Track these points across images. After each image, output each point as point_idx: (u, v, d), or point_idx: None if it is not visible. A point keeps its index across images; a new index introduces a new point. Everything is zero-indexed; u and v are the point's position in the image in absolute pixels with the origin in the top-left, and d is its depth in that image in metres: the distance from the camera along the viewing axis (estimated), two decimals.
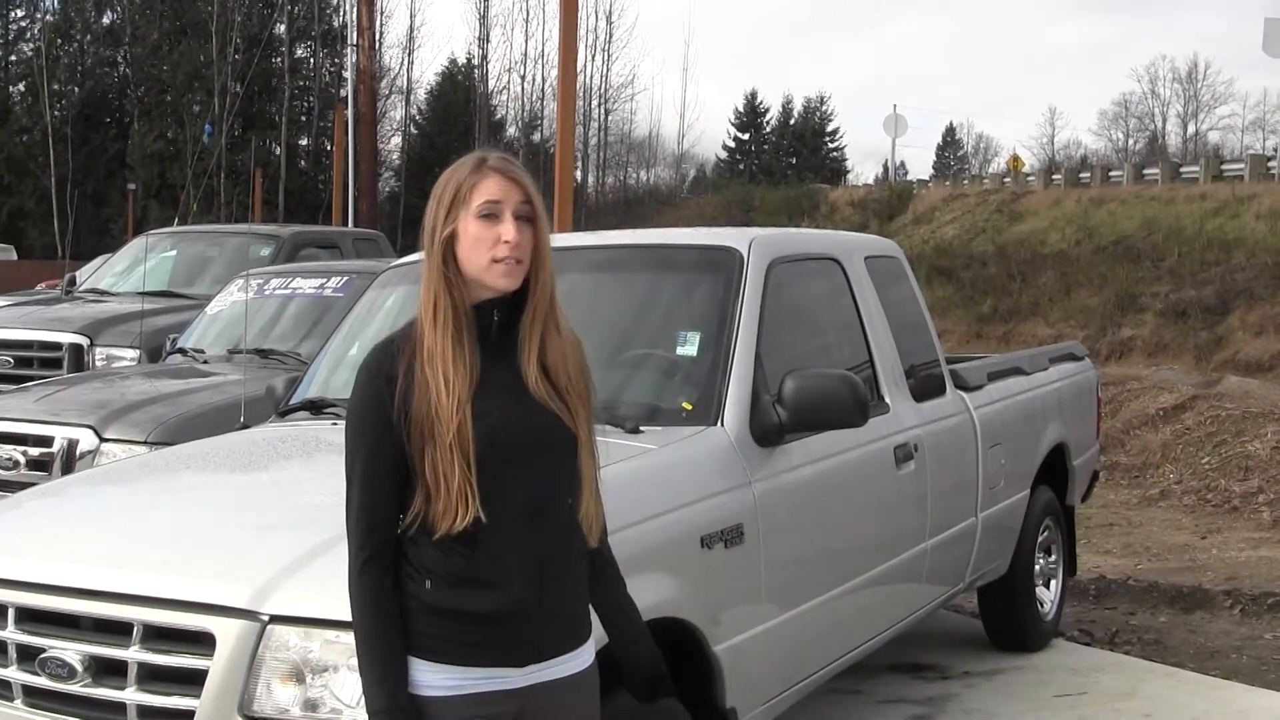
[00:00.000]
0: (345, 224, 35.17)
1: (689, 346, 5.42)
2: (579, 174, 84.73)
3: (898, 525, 6.28)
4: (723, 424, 5.15)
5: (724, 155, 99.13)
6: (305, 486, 4.91)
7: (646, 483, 4.69)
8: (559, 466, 3.34)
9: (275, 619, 3.85)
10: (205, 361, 10.22)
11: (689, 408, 5.23)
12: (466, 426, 3.19)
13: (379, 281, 6.72)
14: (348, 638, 3.75)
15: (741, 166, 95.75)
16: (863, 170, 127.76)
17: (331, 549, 4.02)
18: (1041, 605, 8.18)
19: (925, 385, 6.76)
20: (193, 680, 3.90)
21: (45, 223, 65.94)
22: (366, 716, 3.44)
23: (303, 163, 75.82)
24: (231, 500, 4.86)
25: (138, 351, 12.20)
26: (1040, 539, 8.13)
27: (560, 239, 6.90)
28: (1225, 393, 18.04)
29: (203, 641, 3.91)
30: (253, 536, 4.30)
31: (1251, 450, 15.14)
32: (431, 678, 3.26)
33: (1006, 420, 7.50)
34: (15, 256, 54.80)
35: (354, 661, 3.72)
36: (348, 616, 3.67)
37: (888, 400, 6.30)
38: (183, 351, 10.67)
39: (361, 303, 6.65)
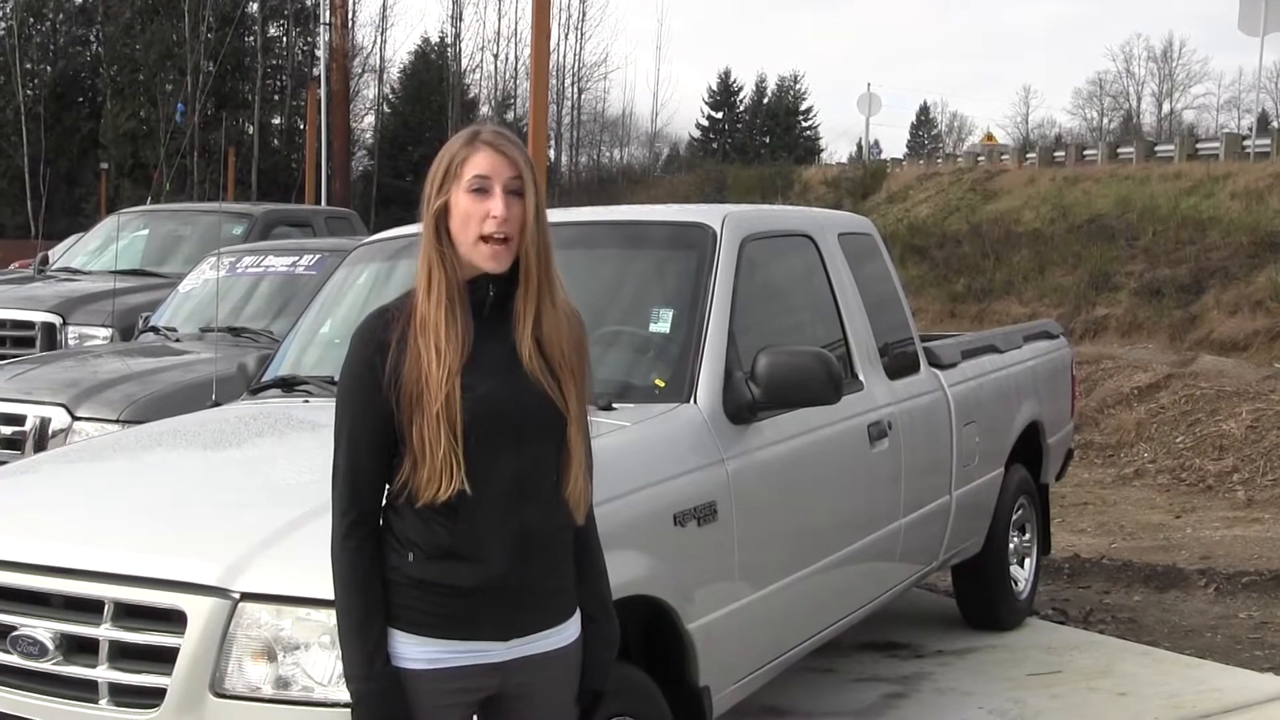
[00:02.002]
0: (318, 202, 35.10)
1: (662, 323, 5.40)
2: (552, 153, 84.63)
3: (871, 503, 6.27)
4: (695, 401, 5.13)
5: (698, 134, 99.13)
6: (277, 464, 4.89)
7: (619, 460, 4.66)
8: (547, 443, 3.33)
9: (246, 596, 3.82)
10: (177, 340, 10.19)
11: (662, 385, 5.22)
12: (455, 397, 3.18)
13: (350, 259, 6.68)
14: (319, 615, 3.75)
15: (715, 145, 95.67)
16: (836, 149, 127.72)
17: (302, 526, 4.01)
18: (1016, 584, 8.18)
19: (899, 363, 6.75)
20: (164, 658, 3.88)
21: (18, 202, 65.50)
22: (341, 692, 3.48)
23: (276, 142, 75.54)
24: (203, 478, 4.83)
25: (110, 330, 12.17)
26: (1014, 517, 8.13)
27: None
28: (1200, 372, 18.06)
29: (174, 619, 3.88)
30: (224, 514, 4.27)
31: (1226, 429, 15.17)
32: (411, 650, 3.25)
33: (980, 398, 7.49)
34: None
35: (325, 639, 3.75)
36: (319, 594, 3.72)
37: (861, 378, 6.29)
38: (155, 330, 10.64)
39: (333, 280, 6.62)
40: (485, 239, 3.23)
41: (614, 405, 5.02)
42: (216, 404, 6.18)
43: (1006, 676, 7.25)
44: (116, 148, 67.57)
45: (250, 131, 71.99)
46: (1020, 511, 8.24)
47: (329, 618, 3.68)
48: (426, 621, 3.25)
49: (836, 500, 5.95)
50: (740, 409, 5.21)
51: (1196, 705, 6.68)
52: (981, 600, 8.06)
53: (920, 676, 7.27)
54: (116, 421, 8.02)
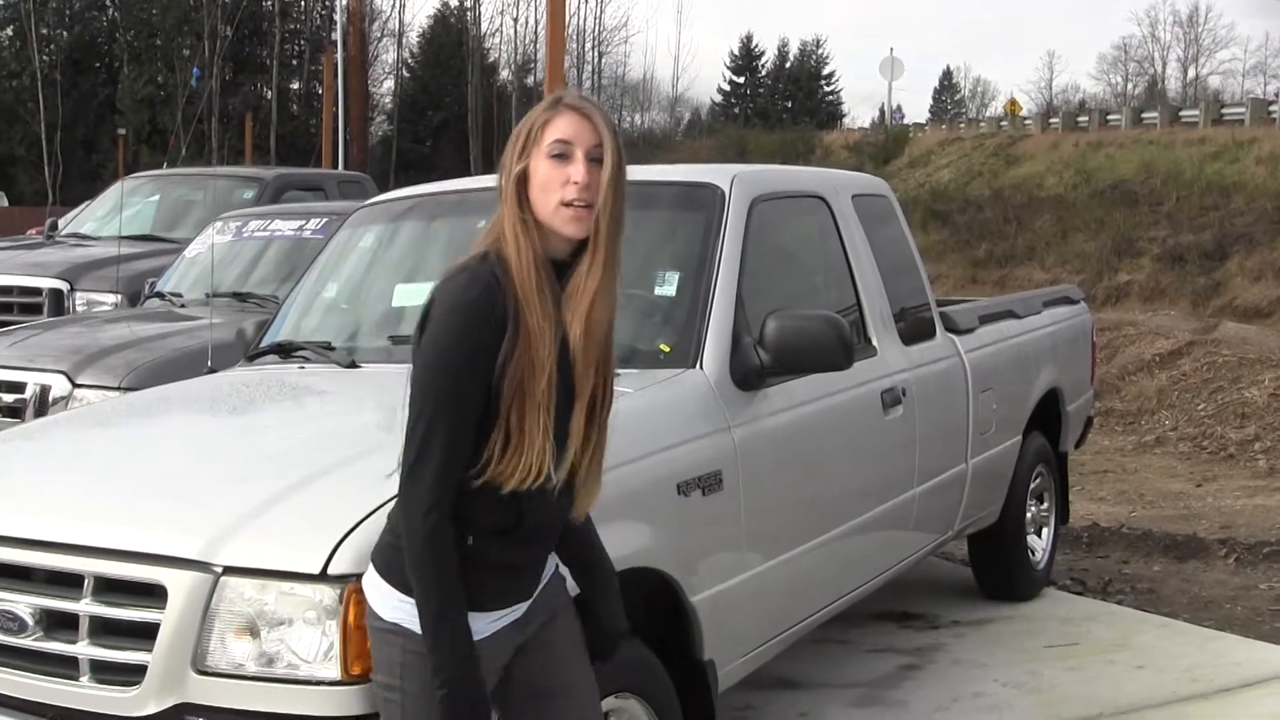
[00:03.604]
0: (335, 168, 35.01)
1: (668, 286, 5.23)
2: None
3: (884, 471, 6.11)
4: (702, 366, 4.97)
5: (719, 99, 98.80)
6: (266, 433, 4.74)
7: (620, 427, 4.48)
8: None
9: (229, 570, 3.67)
10: (182, 306, 10.08)
11: (667, 350, 5.05)
12: (554, 381, 3.13)
13: (352, 220, 6.52)
14: (304, 590, 3.61)
15: (737, 110, 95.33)
16: (859, 114, 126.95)
17: (289, 498, 3.88)
18: (1033, 554, 8.03)
19: (914, 328, 6.58)
20: (146, 634, 3.74)
21: (35, 169, 65.41)
22: (328, 670, 3.55)
23: (295, 107, 75.41)
24: (189, 447, 4.67)
25: (118, 296, 12.07)
26: (1032, 486, 7.96)
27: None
28: (1222, 339, 17.86)
29: (155, 594, 3.73)
30: (208, 485, 4.11)
31: (1248, 397, 14.97)
32: (473, 625, 3.21)
33: (998, 364, 7.32)
34: (6, 202, 54.55)
35: (311, 614, 3.62)
36: (304, 568, 3.61)
37: (875, 343, 6.12)
38: (160, 296, 10.55)
39: (334, 243, 6.47)
40: (566, 204, 3.15)
41: (617, 371, 4.86)
42: (212, 370, 6.05)
43: (1023, 648, 7.11)
44: (134, 113, 67.61)
45: (269, 97, 71.87)
46: (1038, 480, 8.07)
47: (314, 592, 3.60)
48: (478, 597, 3.22)
49: (848, 469, 5.79)
50: (748, 375, 5.04)
51: (1215, 679, 6.52)
52: (998, 570, 7.89)
53: (935, 648, 7.13)
54: (117, 389, 7.90)
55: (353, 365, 5.41)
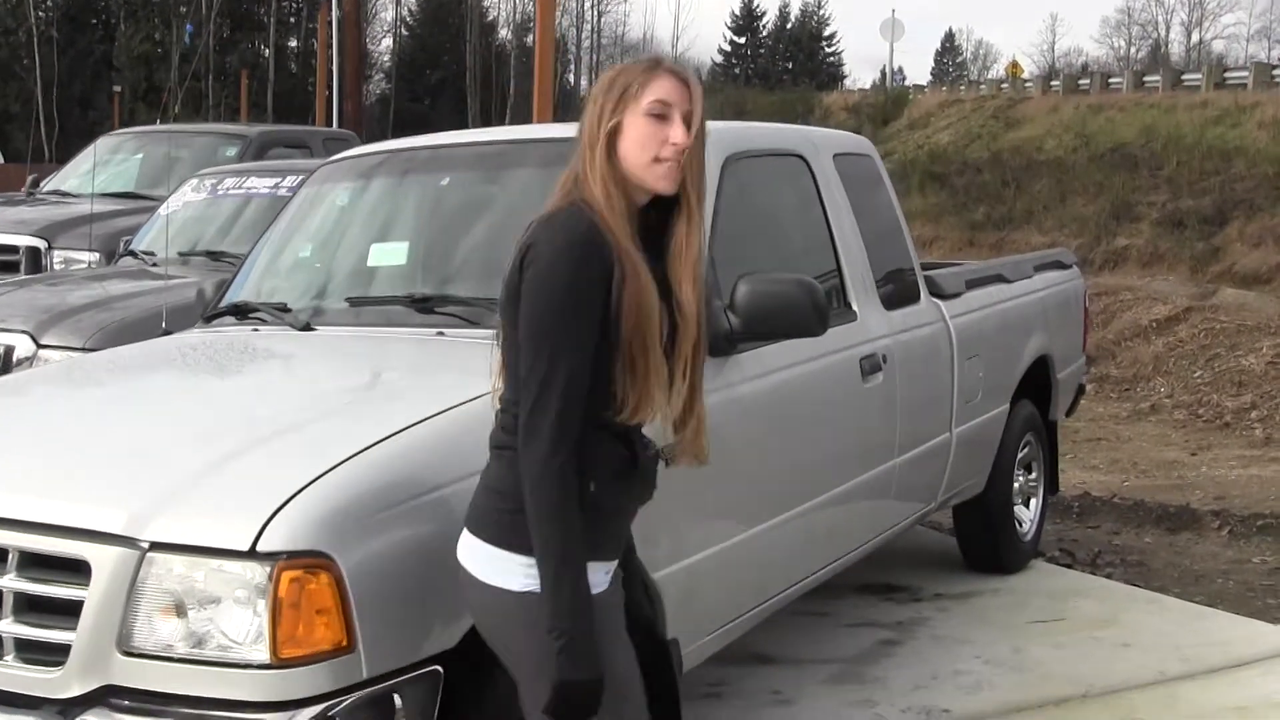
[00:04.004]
0: (329, 125, 34.72)
1: None
2: (571, 77, 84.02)
3: (863, 441, 5.89)
4: None
5: (719, 59, 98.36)
6: (210, 401, 4.51)
7: None
8: None
9: (155, 546, 3.46)
10: (154, 265, 9.85)
11: None
12: (663, 322, 3.24)
13: (317, 177, 6.28)
14: (233, 567, 3.42)
15: (737, 71, 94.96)
16: (860, 76, 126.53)
17: (221, 470, 3.67)
18: (1020, 525, 7.82)
19: (897, 292, 6.35)
20: (71, 612, 3.52)
21: (31, 126, 65.18)
22: (259, 653, 3.38)
23: (293, 66, 75.05)
24: (127, 414, 4.44)
25: (95, 254, 11.86)
26: (1020, 456, 7.75)
27: (491, 133, 6.50)
28: (1220, 305, 17.69)
29: (79, 570, 3.52)
30: (141, 455, 3.89)
31: (1245, 365, 14.80)
32: (592, 576, 3.19)
33: (985, 330, 7.10)
34: (2, 160, 54.19)
35: (241, 593, 3.41)
36: (235, 544, 3.40)
37: (855, 308, 5.90)
38: (133, 254, 10.33)
39: (297, 200, 6.23)
40: (660, 161, 3.27)
41: None
42: (167, 333, 5.83)
43: (1007, 623, 6.91)
44: (130, 70, 67.29)
45: (266, 55, 71.50)
46: (1026, 449, 7.86)
47: (244, 570, 3.41)
48: (598, 545, 3.22)
49: (824, 438, 5.57)
50: (717, 340, 4.78)
51: (1203, 658, 6.32)
52: (984, 542, 7.69)
53: (917, 622, 6.93)
54: (82, 349, 7.67)
55: (307, 328, 5.19)
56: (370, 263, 5.60)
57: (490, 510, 3.26)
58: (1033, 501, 8.03)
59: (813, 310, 4.66)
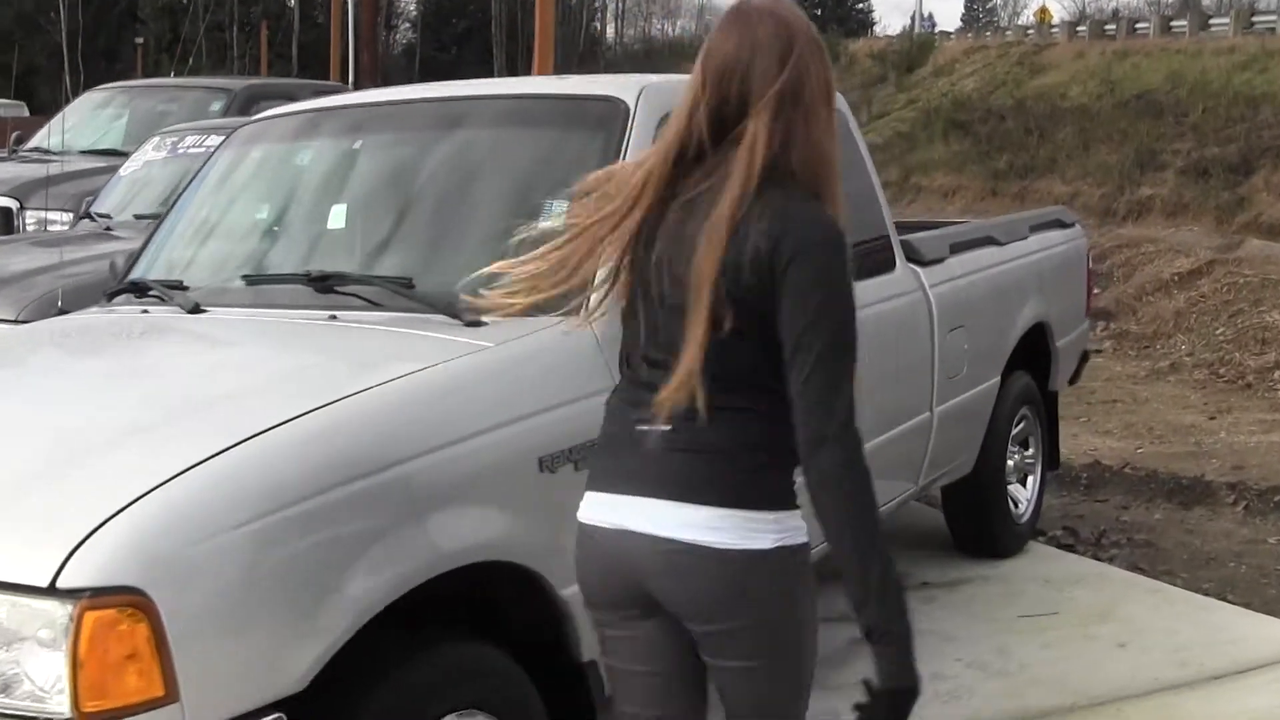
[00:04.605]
0: (344, 77, 34.34)
1: (555, 219, 4.44)
2: (598, 24, 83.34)
3: None
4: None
5: None
6: (42, 402, 3.90)
7: (470, 391, 3.76)
8: None
9: None
10: (108, 228, 9.34)
11: None
12: None
13: (235, 138, 5.72)
14: (36, 604, 2.88)
15: None
16: (890, 23, 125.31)
17: (29, 489, 3.13)
18: (1015, 505, 7.26)
19: (868, 261, 5.75)
20: None
21: (55, 78, 64.69)
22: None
23: (318, 15, 74.41)
24: None
25: (69, 215, 11.41)
26: (1015, 431, 7.17)
27: (414, 90, 5.93)
28: (1245, 258, 17.04)
29: None
30: None
31: (1269, 321, 14.18)
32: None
33: (971, 298, 6.49)
34: (27, 112, 53.73)
35: (45, 634, 2.89)
36: (33, 580, 2.90)
37: None
38: (90, 216, 9.85)
39: (213, 165, 5.66)
40: None
41: (484, 320, 4.10)
42: (63, 313, 5.30)
43: (995, 617, 6.36)
44: (155, 22, 67.11)
45: (292, 5, 71.03)
46: (1022, 424, 7.29)
47: (47, 608, 2.88)
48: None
49: None
50: None
51: (1205, 662, 5.73)
52: (974, 525, 7.14)
53: None
54: (15, 321, 7.18)
55: (197, 310, 4.64)
56: (329, 225, 5.06)
57: (724, 472, 2.95)
58: (1030, 479, 7.46)
59: None
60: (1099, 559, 7.37)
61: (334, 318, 4.31)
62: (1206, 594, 6.74)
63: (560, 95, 5.06)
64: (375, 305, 4.35)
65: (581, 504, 3.13)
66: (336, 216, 5.02)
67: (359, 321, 4.27)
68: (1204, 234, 20.30)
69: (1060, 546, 7.60)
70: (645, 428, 3.01)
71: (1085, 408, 11.77)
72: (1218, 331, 14.60)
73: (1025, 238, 7.36)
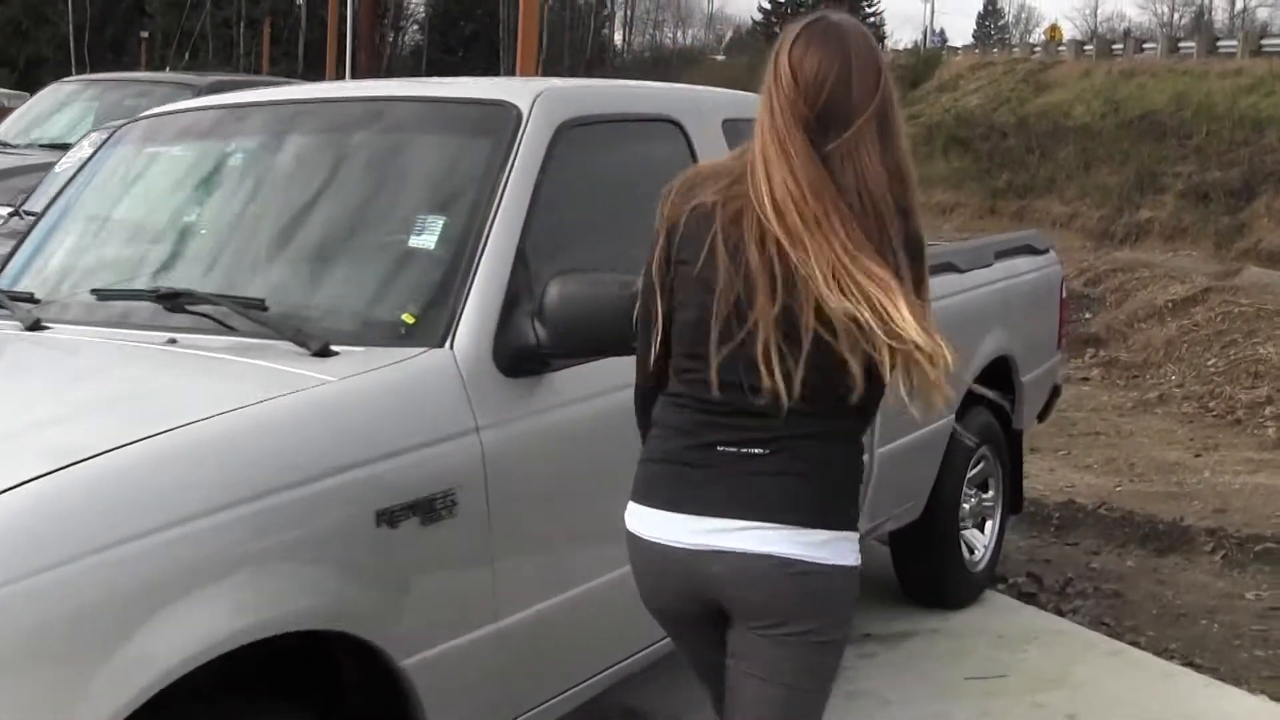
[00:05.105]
0: (340, 75, 34.00)
1: (427, 236, 3.93)
2: (606, 32, 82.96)
3: None
4: (453, 345, 3.68)
5: (759, 18, 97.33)
6: None
7: (299, 433, 3.26)
8: None
9: None
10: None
11: (411, 321, 3.77)
12: None
13: (115, 138, 5.27)
14: None
15: (776, 30, 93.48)
16: (901, 36, 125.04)
17: None
18: (971, 553, 6.75)
19: None
20: None
21: (63, 70, 64.25)
22: None
23: (323, 14, 74.27)
24: None
25: (10, 210, 11.00)
26: (971, 474, 6.67)
27: (297, 90, 5.47)
28: (1241, 286, 16.54)
29: None
30: None
31: (1263, 354, 13.63)
32: None
33: None
34: None
35: None
36: None
37: None
38: (17, 214, 9.46)
39: (97, 165, 5.18)
40: None
41: (334, 348, 3.61)
42: None
43: (938, 678, 5.85)
44: (163, 16, 67.00)
45: (299, 3, 70.78)
46: (980, 466, 6.78)
47: None
48: None
49: None
50: (520, 357, 3.77)
51: None
52: (924, 573, 6.63)
53: None
54: None
55: (37, 326, 4.15)
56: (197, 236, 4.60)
57: (822, 497, 3.07)
58: (988, 524, 6.96)
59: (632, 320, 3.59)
60: (1061, 611, 6.86)
61: (173, 341, 3.83)
62: (1172, 656, 6.23)
63: (446, 99, 4.55)
64: (226, 327, 3.87)
65: (640, 520, 3.11)
66: (203, 227, 4.55)
67: (198, 347, 3.78)
68: (1202, 259, 19.84)
69: (1021, 595, 7.09)
70: (731, 449, 3.02)
71: (1066, 439, 11.29)
72: (1209, 362, 14.08)
73: (989, 265, 6.85)
